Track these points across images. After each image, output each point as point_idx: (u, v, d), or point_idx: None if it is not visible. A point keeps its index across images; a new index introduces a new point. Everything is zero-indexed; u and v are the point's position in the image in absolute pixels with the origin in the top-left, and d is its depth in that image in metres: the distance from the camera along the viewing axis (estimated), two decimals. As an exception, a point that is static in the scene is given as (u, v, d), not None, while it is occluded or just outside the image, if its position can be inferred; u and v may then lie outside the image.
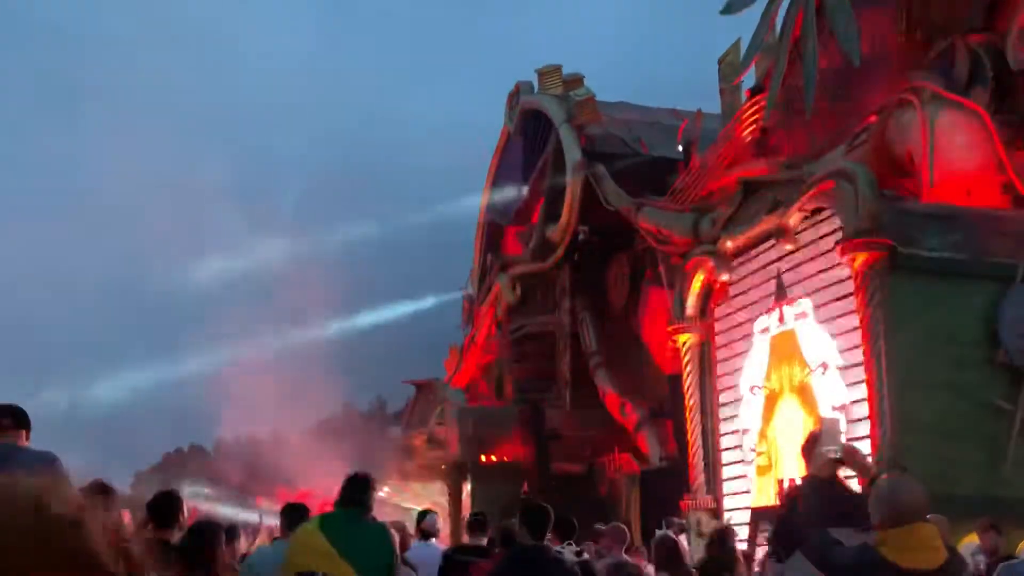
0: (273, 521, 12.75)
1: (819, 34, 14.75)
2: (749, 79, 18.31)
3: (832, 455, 3.96)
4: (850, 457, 4.12)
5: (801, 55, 15.17)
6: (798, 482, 10.75)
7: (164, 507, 5.08)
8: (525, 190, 26.65)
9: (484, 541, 7.52)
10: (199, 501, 25.50)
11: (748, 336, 12.38)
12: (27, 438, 4.35)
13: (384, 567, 4.54)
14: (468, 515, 18.98)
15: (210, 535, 4.66)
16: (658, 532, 9.82)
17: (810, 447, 4.22)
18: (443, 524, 20.56)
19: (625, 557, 7.24)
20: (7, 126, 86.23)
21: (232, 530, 6.36)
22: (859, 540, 3.59)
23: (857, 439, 9.91)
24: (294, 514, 6.46)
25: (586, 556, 7.12)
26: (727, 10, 16.66)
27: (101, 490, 4.30)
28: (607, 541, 7.42)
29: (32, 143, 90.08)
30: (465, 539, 18.81)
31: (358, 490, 4.71)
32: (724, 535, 6.82)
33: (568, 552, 6.91)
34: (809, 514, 4.06)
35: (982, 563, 6.84)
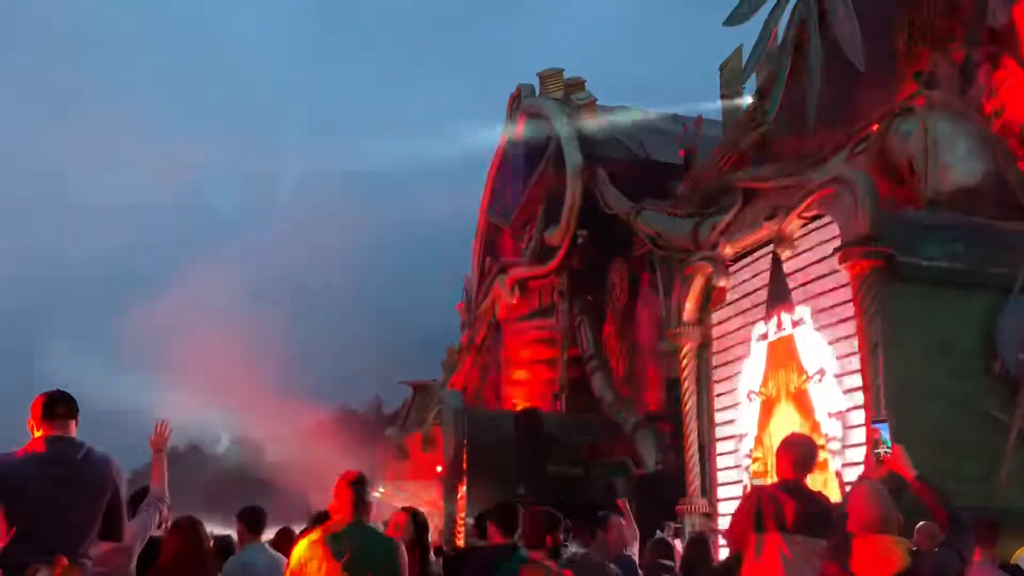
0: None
1: (821, 41, 14.79)
2: (751, 85, 18.37)
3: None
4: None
5: (804, 62, 15.19)
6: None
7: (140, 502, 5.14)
8: (524, 193, 26.66)
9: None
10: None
11: (746, 342, 12.39)
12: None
13: None
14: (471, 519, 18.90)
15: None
16: (656, 534, 9.83)
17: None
18: (440, 525, 20.54)
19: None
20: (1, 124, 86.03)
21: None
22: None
23: (853, 447, 9.93)
24: (254, 517, 6.42)
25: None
26: (731, 21, 16.72)
27: None
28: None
29: (24, 140, 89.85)
30: (459, 542, 18.66)
31: (361, 494, 4.56)
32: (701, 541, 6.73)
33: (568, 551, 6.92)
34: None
35: None
